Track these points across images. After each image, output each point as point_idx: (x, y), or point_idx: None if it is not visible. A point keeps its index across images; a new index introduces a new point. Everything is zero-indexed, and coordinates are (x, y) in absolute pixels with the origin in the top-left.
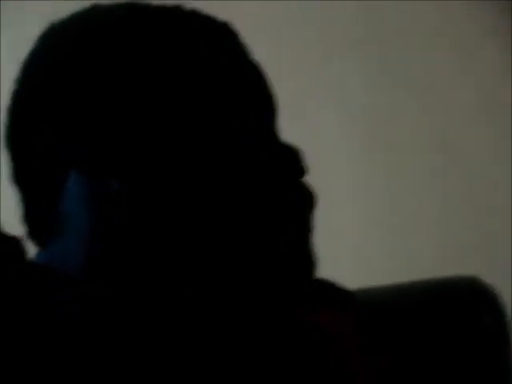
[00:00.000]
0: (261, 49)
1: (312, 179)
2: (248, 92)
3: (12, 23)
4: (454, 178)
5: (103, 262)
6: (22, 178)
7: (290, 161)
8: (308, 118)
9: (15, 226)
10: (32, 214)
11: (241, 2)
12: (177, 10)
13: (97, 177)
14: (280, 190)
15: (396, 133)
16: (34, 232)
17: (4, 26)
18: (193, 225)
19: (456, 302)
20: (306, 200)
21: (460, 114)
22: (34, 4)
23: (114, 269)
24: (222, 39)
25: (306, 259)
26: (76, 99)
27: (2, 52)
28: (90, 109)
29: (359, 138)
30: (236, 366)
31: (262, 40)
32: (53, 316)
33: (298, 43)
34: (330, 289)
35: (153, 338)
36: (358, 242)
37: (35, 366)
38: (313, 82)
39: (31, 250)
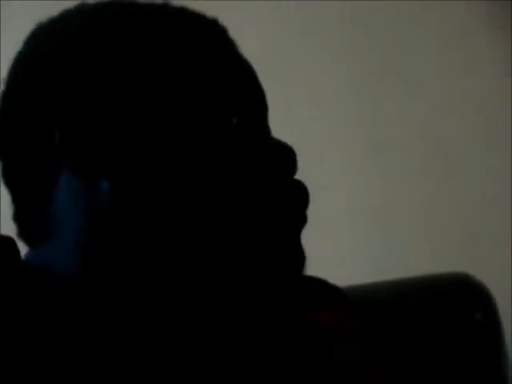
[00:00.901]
0: (249, 46)
1: (301, 176)
2: (236, 87)
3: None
4: (447, 179)
5: (95, 263)
6: (12, 178)
7: (284, 156)
8: (297, 118)
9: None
10: (23, 214)
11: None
12: (165, 7)
13: (87, 178)
14: (275, 184)
15: (394, 133)
16: (25, 232)
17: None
18: (185, 223)
19: (448, 298)
20: (300, 196)
21: (459, 115)
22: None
23: (106, 270)
24: (210, 35)
25: (299, 255)
26: (63, 99)
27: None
28: (77, 109)
29: (352, 139)
30: (235, 365)
31: (250, 37)
32: (57, 316)
33: (287, 40)
34: (323, 286)
35: (156, 338)
36: (348, 241)
37: (39, 365)
38: (302, 82)
39: (22, 249)
